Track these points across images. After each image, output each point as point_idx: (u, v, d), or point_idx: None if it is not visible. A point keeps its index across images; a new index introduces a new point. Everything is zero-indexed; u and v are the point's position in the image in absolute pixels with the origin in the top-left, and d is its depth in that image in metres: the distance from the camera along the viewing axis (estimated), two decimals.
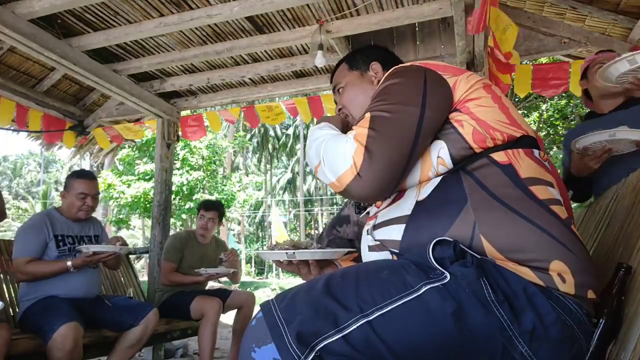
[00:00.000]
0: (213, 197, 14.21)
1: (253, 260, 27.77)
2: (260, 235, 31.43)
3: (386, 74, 1.04)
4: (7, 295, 2.77)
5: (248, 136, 26.47)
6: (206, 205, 3.61)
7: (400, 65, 1.06)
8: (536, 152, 0.97)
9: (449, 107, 0.95)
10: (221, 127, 4.76)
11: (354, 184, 0.89)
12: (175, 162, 8.82)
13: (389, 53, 1.33)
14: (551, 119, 11.50)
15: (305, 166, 28.46)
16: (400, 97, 0.95)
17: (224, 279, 4.20)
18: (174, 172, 10.42)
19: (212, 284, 6.18)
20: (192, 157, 13.70)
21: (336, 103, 1.30)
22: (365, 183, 0.88)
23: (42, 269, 2.50)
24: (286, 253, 1.08)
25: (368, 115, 0.94)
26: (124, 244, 2.75)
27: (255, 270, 27.26)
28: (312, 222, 31.24)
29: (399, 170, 0.91)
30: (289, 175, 31.41)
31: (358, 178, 0.89)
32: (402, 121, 0.91)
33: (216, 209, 3.61)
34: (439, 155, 0.93)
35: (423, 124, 0.91)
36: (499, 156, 0.92)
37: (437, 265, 0.80)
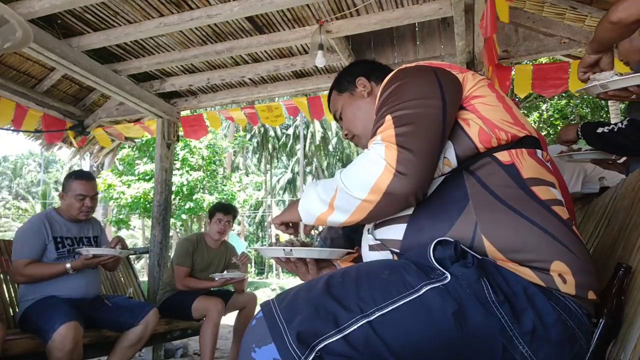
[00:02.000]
0: (213, 197, 14.23)
1: (253, 260, 27.77)
2: (260, 235, 31.42)
3: (390, 77, 1.02)
4: (7, 295, 2.77)
5: (248, 136, 26.46)
6: (225, 209, 3.59)
7: (403, 67, 1.05)
8: (539, 152, 0.97)
9: (460, 102, 0.95)
10: (221, 126, 4.76)
11: (395, 184, 0.84)
12: (175, 162, 8.82)
13: (372, 63, 1.34)
14: (551, 119, 11.50)
15: (305, 166, 28.48)
16: (417, 92, 0.93)
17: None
18: (174, 172, 10.42)
19: None
20: (192, 157, 13.70)
21: (342, 130, 1.32)
22: (409, 180, 0.84)
23: (41, 271, 2.50)
24: (283, 250, 1.08)
25: (388, 117, 0.91)
26: (124, 244, 2.75)
27: (255, 270, 27.27)
28: None
29: (435, 163, 0.89)
30: (289, 175, 31.40)
31: (399, 176, 0.84)
32: (428, 115, 0.90)
33: (233, 212, 3.62)
34: (445, 156, 0.93)
35: (447, 116, 0.91)
36: (502, 156, 0.92)
37: (437, 266, 0.80)
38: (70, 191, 2.67)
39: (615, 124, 1.66)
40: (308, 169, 30.55)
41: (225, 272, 3.51)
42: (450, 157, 0.93)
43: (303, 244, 1.14)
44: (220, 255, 3.64)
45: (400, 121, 0.89)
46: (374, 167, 0.86)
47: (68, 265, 2.51)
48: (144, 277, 9.52)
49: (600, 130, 1.68)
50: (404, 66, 1.05)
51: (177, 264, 3.39)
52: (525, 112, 11.36)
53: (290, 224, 1.14)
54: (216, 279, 3.32)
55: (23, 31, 1.13)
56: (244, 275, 3.43)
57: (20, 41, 1.15)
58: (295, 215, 1.05)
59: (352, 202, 0.89)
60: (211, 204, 14.11)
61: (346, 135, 1.30)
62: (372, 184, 0.86)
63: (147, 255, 4.22)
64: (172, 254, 4.85)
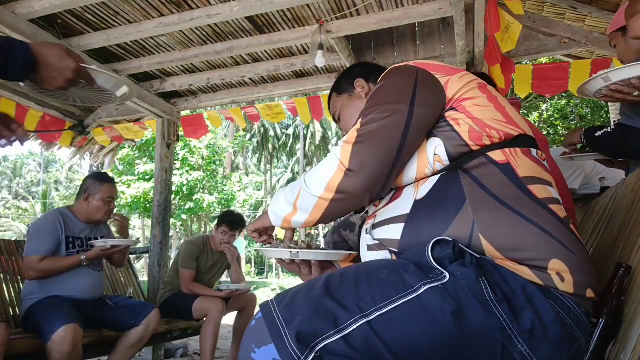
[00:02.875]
0: (213, 197, 14.21)
1: (253, 260, 27.76)
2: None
3: (382, 76, 1.05)
4: (7, 295, 2.77)
5: (248, 136, 26.47)
6: (231, 224, 3.53)
7: (393, 67, 1.06)
8: (534, 151, 0.97)
9: (441, 105, 0.96)
10: (221, 126, 4.78)
11: (345, 181, 0.90)
12: (175, 162, 8.82)
13: (371, 65, 1.37)
14: (551, 119, 11.51)
15: (305, 166, 28.49)
16: (389, 96, 0.97)
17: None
18: (174, 172, 10.42)
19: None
20: (192, 157, 13.70)
21: (341, 130, 1.35)
22: (356, 177, 0.90)
23: (56, 265, 2.50)
24: (290, 252, 1.08)
25: (360, 119, 0.97)
26: (125, 221, 2.85)
27: (255, 270, 27.27)
28: None
29: (389, 162, 0.91)
30: (289, 175, 31.40)
31: (349, 173, 0.90)
32: (391, 118, 0.93)
33: (240, 228, 3.58)
34: (436, 153, 0.93)
35: (412, 120, 0.92)
36: (497, 155, 0.92)
37: (436, 265, 0.80)
38: (99, 194, 2.69)
39: (607, 128, 1.70)
40: (308, 168, 30.51)
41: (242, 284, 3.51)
42: (440, 154, 0.93)
43: (308, 246, 1.14)
44: (223, 258, 3.65)
45: (364, 123, 0.94)
46: (329, 166, 0.93)
47: (83, 257, 2.53)
48: (144, 277, 9.52)
49: (598, 133, 1.74)
50: (394, 66, 1.06)
51: (182, 267, 3.38)
52: (525, 112, 11.36)
53: (265, 233, 1.19)
54: (222, 289, 3.34)
55: (130, 89, 1.40)
56: (249, 287, 3.47)
57: (127, 97, 1.42)
58: (267, 220, 1.09)
59: (310, 200, 0.95)
60: (211, 204, 14.19)
61: (344, 136, 1.31)
62: (327, 182, 0.92)
63: (147, 255, 4.22)
64: (172, 254, 4.85)
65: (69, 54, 1.18)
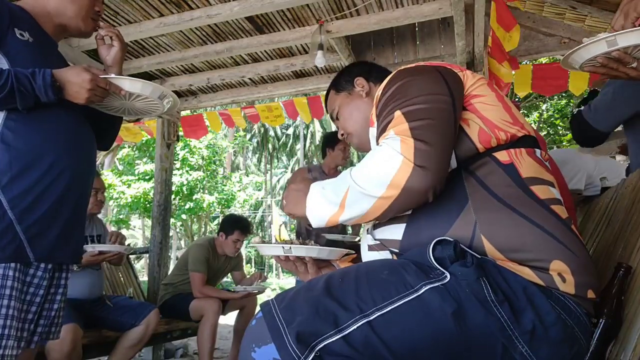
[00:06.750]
0: (213, 197, 14.20)
1: (253, 260, 27.75)
2: (261, 235, 31.43)
3: (391, 77, 1.01)
4: None
5: (248, 136, 26.45)
6: (245, 229, 3.49)
7: (402, 67, 1.04)
8: (538, 151, 0.97)
9: (463, 100, 0.95)
10: (221, 127, 4.76)
11: (414, 178, 0.82)
12: (175, 162, 8.82)
13: (371, 65, 1.34)
14: (551, 119, 11.51)
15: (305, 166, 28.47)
16: (425, 88, 0.92)
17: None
18: (174, 172, 10.42)
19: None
20: (192, 157, 13.69)
21: (339, 129, 1.32)
22: (428, 173, 0.82)
23: None
24: (282, 247, 1.07)
25: (398, 112, 0.89)
26: (122, 240, 2.75)
27: (255, 270, 27.26)
28: None
29: (450, 157, 0.88)
30: (289, 175, 31.40)
31: (418, 169, 0.81)
32: (440, 109, 0.89)
33: (251, 231, 3.57)
34: None
35: (456, 112, 0.90)
36: (501, 155, 0.91)
37: (437, 265, 0.80)
38: None
39: (580, 107, 1.77)
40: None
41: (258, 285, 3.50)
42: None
43: (303, 243, 1.14)
44: (226, 262, 3.64)
45: (413, 116, 0.88)
46: (390, 162, 0.83)
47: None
48: (144, 277, 9.52)
49: (574, 110, 1.79)
50: (403, 67, 1.04)
51: (193, 270, 3.30)
52: (525, 112, 11.36)
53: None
54: (238, 290, 3.32)
55: (173, 100, 1.50)
56: (263, 288, 3.45)
57: (170, 108, 1.52)
58: (302, 209, 0.97)
59: (366, 200, 0.86)
60: (211, 204, 14.17)
61: (342, 135, 1.30)
62: (390, 180, 0.83)
63: (147, 255, 4.22)
64: (172, 254, 4.86)
65: (85, 69, 1.30)
